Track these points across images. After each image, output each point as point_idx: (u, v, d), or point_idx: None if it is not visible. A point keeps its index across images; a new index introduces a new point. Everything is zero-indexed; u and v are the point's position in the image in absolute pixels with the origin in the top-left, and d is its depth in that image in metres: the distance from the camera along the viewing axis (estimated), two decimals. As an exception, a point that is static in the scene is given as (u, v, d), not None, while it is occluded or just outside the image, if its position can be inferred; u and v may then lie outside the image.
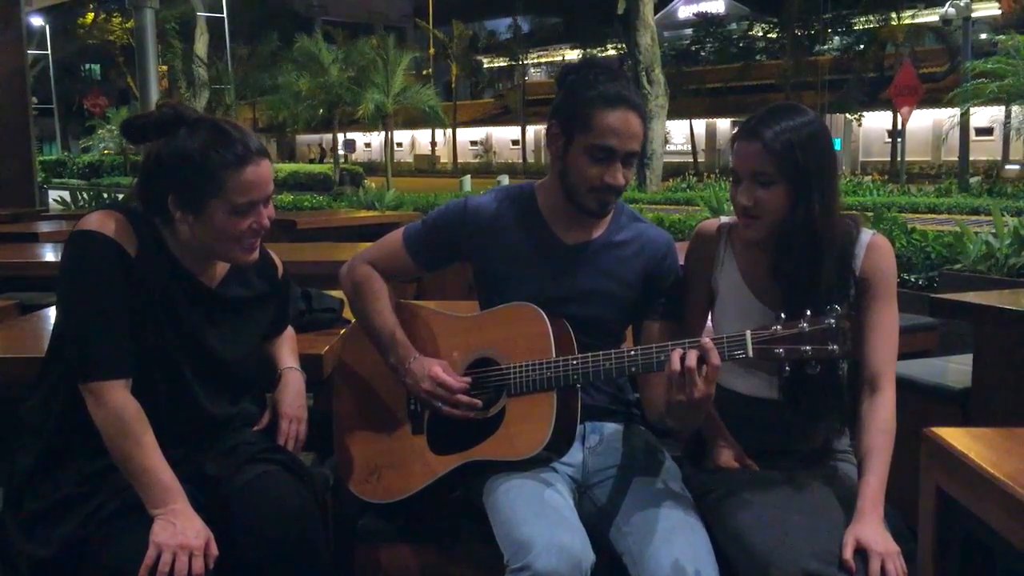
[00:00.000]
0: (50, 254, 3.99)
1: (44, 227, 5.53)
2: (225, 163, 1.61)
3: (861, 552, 1.54)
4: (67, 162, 32.14)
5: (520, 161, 40.14)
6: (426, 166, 42.26)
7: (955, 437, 1.49)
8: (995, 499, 1.33)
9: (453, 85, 44.45)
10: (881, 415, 1.70)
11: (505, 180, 17.18)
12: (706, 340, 1.58)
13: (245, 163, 1.62)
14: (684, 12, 40.95)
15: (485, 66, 46.95)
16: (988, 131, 27.23)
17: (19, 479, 1.67)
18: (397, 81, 25.36)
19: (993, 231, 4.95)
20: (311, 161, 38.99)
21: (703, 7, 39.11)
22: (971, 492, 1.41)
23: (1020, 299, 2.61)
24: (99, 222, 1.64)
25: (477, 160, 43.28)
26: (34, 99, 13.38)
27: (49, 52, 34.66)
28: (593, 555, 1.61)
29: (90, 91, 33.50)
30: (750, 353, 1.57)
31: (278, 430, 1.84)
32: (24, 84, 8.00)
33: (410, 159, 45.01)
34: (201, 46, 29.71)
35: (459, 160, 42.01)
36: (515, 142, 42.68)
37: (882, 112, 29.48)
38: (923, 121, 28.93)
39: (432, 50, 41.95)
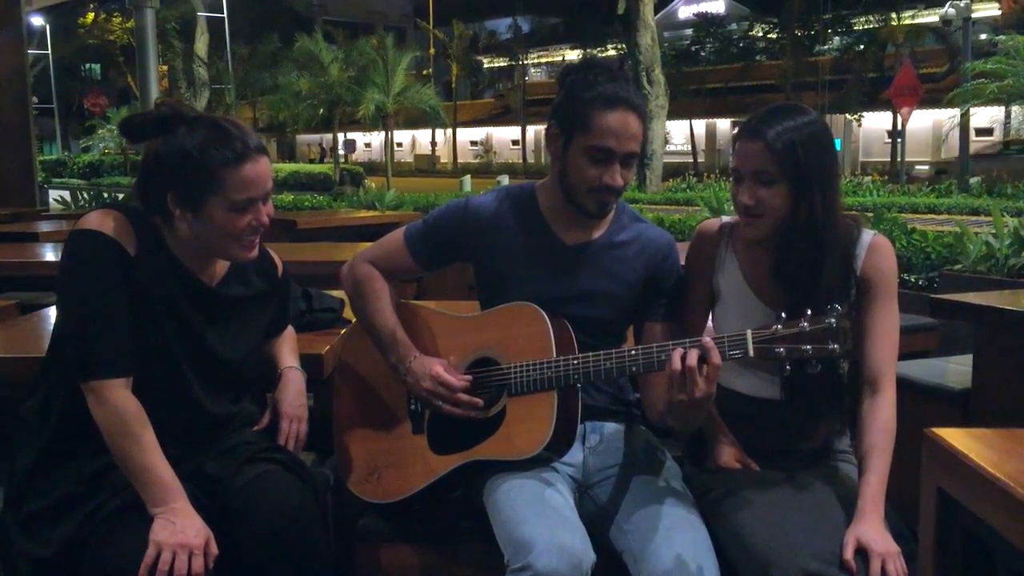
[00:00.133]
0: (50, 254, 3.99)
1: (44, 227, 5.53)
2: (224, 160, 1.61)
3: (861, 552, 1.54)
4: (67, 162, 32.15)
5: (520, 161, 40.14)
6: (426, 166, 42.25)
7: (956, 438, 1.50)
8: (996, 499, 1.33)
9: (453, 85, 44.46)
10: (881, 415, 1.70)
11: (505, 180, 17.18)
12: (707, 339, 1.58)
13: (244, 160, 1.62)
14: (684, 12, 40.97)
15: (485, 66, 46.98)
16: (988, 131, 27.23)
17: (19, 479, 1.67)
18: (397, 81, 25.37)
19: (993, 231, 4.94)
20: (311, 161, 39.03)
21: (703, 7, 39.13)
22: (972, 492, 1.41)
23: (1020, 300, 2.61)
24: (98, 221, 1.64)
25: (477, 160, 43.27)
26: (34, 99, 13.37)
27: (49, 52, 34.65)
28: (594, 555, 1.61)
29: (90, 91, 33.50)
30: (751, 352, 1.57)
31: (278, 430, 1.85)
32: (24, 84, 7.99)
33: (410, 159, 45.01)
34: (201, 46, 29.71)
35: (459, 160, 42.02)
36: (515, 142, 42.69)
37: (882, 112, 29.47)
38: (923, 121, 28.94)
39: (432, 50, 41.97)
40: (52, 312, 2.39)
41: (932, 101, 24.18)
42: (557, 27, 44.72)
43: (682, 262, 1.94)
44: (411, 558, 1.92)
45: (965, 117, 19.44)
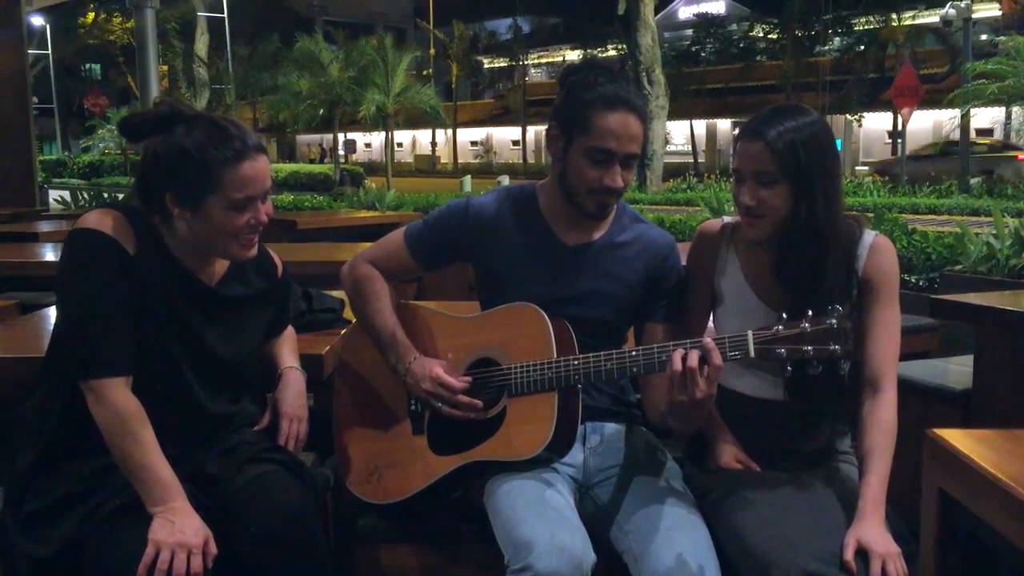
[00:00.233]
0: (50, 254, 3.99)
1: (44, 227, 5.54)
2: (222, 159, 1.61)
3: (862, 553, 1.54)
4: (67, 162, 32.16)
5: (520, 162, 40.13)
6: (426, 166, 42.24)
7: (957, 438, 1.49)
8: (997, 500, 1.33)
9: (453, 85, 44.45)
10: (882, 416, 1.70)
11: (505, 180, 17.18)
12: (708, 340, 1.58)
13: (242, 159, 1.62)
14: (685, 13, 40.97)
15: (485, 66, 46.96)
16: (989, 132, 27.22)
17: (19, 479, 1.66)
18: (398, 81, 25.36)
19: (994, 232, 4.94)
20: (311, 161, 39.03)
21: (704, 8, 39.13)
22: (973, 493, 1.41)
23: (1021, 300, 2.61)
24: (97, 220, 1.64)
25: (477, 160, 43.27)
26: (34, 99, 13.37)
27: (49, 52, 34.64)
28: (594, 555, 1.61)
29: (90, 91, 33.45)
30: (752, 353, 1.57)
31: (278, 430, 1.84)
32: (24, 84, 8.00)
33: (411, 159, 45.00)
34: (201, 46, 29.73)
35: (459, 160, 42.01)
36: (515, 142, 42.69)
37: (882, 113, 29.47)
38: (923, 122, 28.92)
39: (432, 50, 41.95)
40: (52, 312, 2.39)
41: (933, 102, 24.16)
42: (557, 27, 44.71)
43: (683, 263, 1.94)
44: (411, 558, 1.92)
45: (966, 118, 19.45)
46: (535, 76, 46.00)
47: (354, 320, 2.07)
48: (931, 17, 29.22)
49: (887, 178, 20.43)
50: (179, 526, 1.54)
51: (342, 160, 29.82)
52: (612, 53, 33.18)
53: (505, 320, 1.84)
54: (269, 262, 1.91)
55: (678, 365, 1.57)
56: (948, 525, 1.52)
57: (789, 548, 1.54)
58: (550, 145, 1.84)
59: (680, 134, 36.14)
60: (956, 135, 20.36)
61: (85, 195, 12.60)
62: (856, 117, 30.15)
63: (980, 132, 25.88)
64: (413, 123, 33.54)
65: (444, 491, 1.87)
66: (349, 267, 1.99)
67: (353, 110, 26.49)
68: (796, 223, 1.70)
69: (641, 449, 1.89)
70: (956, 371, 2.76)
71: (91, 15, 34.95)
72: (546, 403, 1.74)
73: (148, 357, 1.66)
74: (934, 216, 14.29)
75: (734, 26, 36.76)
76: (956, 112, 19.29)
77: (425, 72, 38.97)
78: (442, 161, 43.74)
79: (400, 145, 42.54)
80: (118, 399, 1.59)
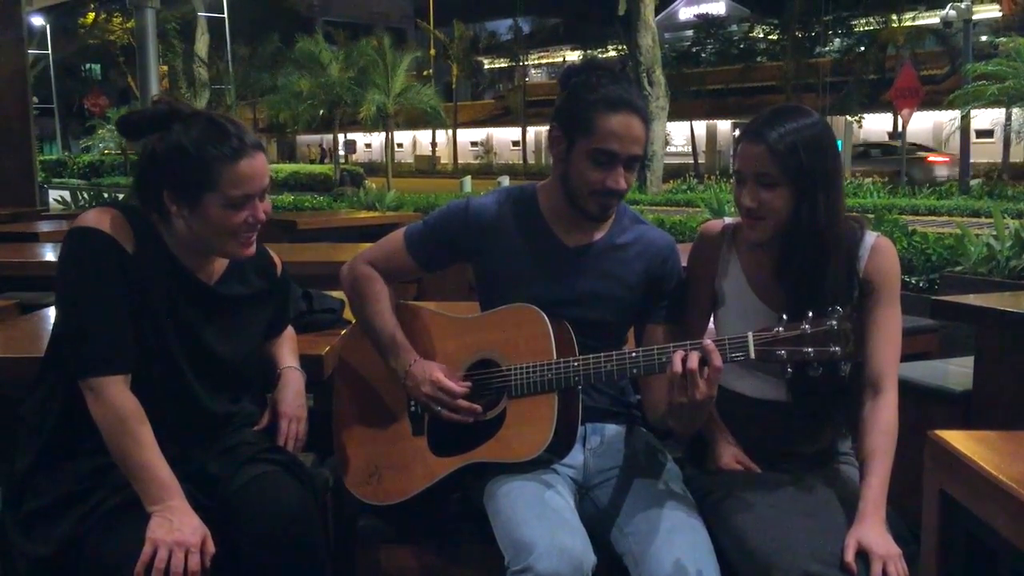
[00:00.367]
0: (50, 254, 3.99)
1: (44, 227, 5.53)
2: (220, 157, 1.61)
3: (862, 554, 1.54)
4: (67, 162, 32.17)
5: (521, 162, 40.13)
6: (427, 167, 42.24)
7: (958, 440, 1.49)
8: (999, 502, 1.32)
9: (454, 86, 44.44)
10: (883, 417, 1.70)
11: (505, 181, 17.18)
12: (708, 342, 1.58)
13: (240, 156, 1.62)
14: (685, 13, 40.97)
15: (486, 67, 46.96)
16: (989, 133, 27.21)
17: (18, 479, 1.66)
18: (398, 81, 25.37)
19: (994, 233, 4.95)
20: (312, 162, 39.02)
21: (704, 8, 39.13)
22: (974, 495, 1.41)
23: (1021, 301, 2.61)
24: (96, 219, 1.64)
25: (478, 161, 43.27)
26: (35, 99, 13.37)
27: (50, 52, 34.66)
28: (594, 557, 1.60)
29: (91, 91, 33.48)
30: (752, 355, 1.57)
31: (277, 430, 1.84)
32: (25, 84, 7.99)
33: (411, 160, 45.02)
34: (202, 46, 29.75)
35: (460, 161, 42.01)
36: (515, 143, 42.68)
37: (883, 114, 29.48)
38: (924, 123, 28.92)
39: (433, 51, 41.95)
40: (52, 312, 2.39)
41: (933, 103, 24.18)
42: (557, 28, 44.69)
43: (683, 264, 1.94)
44: (411, 559, 1.92)
45: (966, 119, 19.45)
46: (535, 77, 46.01)
47: (354, 320, 2.07)
48: (931, 18, 29.22)
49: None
50: (177, 525, 1.53)
51: (342, 160, 29.81)
52: (612, 54, 33.17)
53: (505, 321, 1.84)
54: (268, 261, 1.90)
55: (678, 367, 1.57)
56: (949, 526, 1.52)
57: (789, 549, 1.54)
58: (552, 146, 1.84)
59: (680, 135, 36.12)
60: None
61: (85, 195, 12.61)
62: (856, 118, 30.13)
63: (980, 134, 25.92)
64: (413, 123, 33.55)
65: (444, 492, 1.87)
66: (349, 268, 1.99)
67: (353, 110, 26.52)
68: (797, 224, 1.69)
69: (641, 450, 1.89)
70: (956, 372, 2.76)
71: (91, 15, 34.95)
72: (546, 404, 1.74)
73: (147, 356, 1.66)
74: (934, 217, 14.30)
75: (734, 27, 36.75)
76: (956, 113, 19.29)
77: (425, 72, 38.97)
78: (442, 162, 43.74)
79: (400, 146, 42.54)
80: (117, 397, 1.59)
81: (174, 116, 1.64)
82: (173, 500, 1.57)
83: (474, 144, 45.32)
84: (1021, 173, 24.69)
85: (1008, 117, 20.89)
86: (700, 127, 36.26)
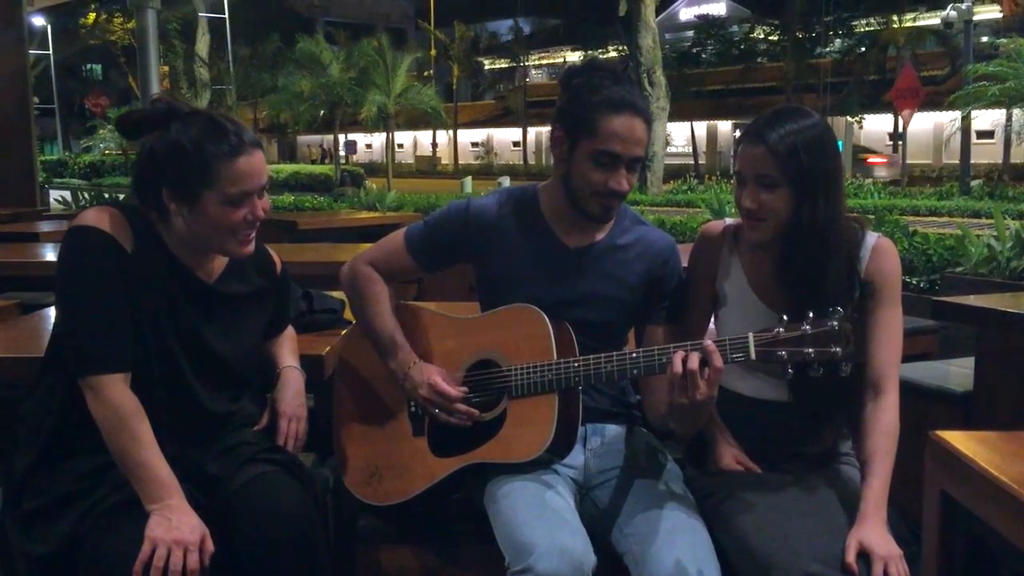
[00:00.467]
0: (51, 254, 3.99)
1: (45, 227, 5.53)
2: (218, 154, 1.61)
3: (863, 555, 1.53)
4: (68, 162, 32.18)
5: (521, 163, 40.14)
6: (427, 167, 42.26)
7: (960, 441, 1.49)
8: (999, 502, 1.32)
9: (454, 86, 44.44)
10: (884, 418, 1.70)
11: (506, 181, 17.21)
12: (708, 342, 1.58)
13: (238, 153, 1.63)
14: (685, 14, 40.97)
15: (486, 67, 46.95)
16: (989, 134, 27.21)
17: (18, 478, 1.66)
18: (398, 82, 25.39)
19: (995, 234, 4.94)
20: (312, 162, 39.03)
21: (704, 9, 39.12)
22: (976, 495, 1.41)
23: (1022, 302, 2.61)
24: (95, 217, 1.64)
25: (478, 161, 43.29)
26: (36, 99, 13.38)
27: (51, 52, 34.69)
28: (595, 557, 1.60)
29: (91, 91, 33.51)
30: (753, 355, 1.57)
31: (277, 429, 1.84)
32: (26, 84, 7.99)
33: (411, 160, 45.03)
34: (203, 46, 29.75)
35: (460, 161, 42.03)
36: (516, 143, 42.68)
37: (883, 115, 29.46)
38: (924, 124, 28.92)
39: (433, 51, 41.95)
40: (53, 312, 2.39)
41: (933, 104, 24.17)
42: (558, 29, 44.68)
43: (684, 264, 1.94)
44: (411, 560, 1.92)
45: (966, 120, 19.45)
46: (536, 77, 46.01)
47: (354, 321, 2.07)
48: (932, 19, 29.20)
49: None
50: (176, 523, 1.53)
51: (343, 161, 29.81)
52: (613, 54, 33.18)
53: (505, 322, 1.84)
54: (268, 260, 1.91)
55: (678, 367, 1.57)
56: (950, 527, 1.52)
57: (790, 550, 1.54)
58: (554, 147, 1.84)
59: (681, 135, 36.14)
60: (957, 138, 20.56)
61: (86, 195, 12.60)
62: (857, 119, 30.14)
63: (981, 135, 25.93)
64: (414, 124, 33.57)
65: (444, 493, 1.87)
66: (349, 268, 1.99)
67: (354, 111, 26.55)
68: (798, 226, 1.69)
69: (642, 451, 1.89)
70: (957, 373, 2.75)
71: (92, 15, 34.97)
72: (546, 405, 1.74)
73: (146, 355, 1.66)
74: (935, 218, 14.30)
75: (735, 28, 36.76)
76: (957, 114, 19.29)
77: (426, 73, 38.97)
78: (443, 162, 43.75)
79: (401, 146, 42.57)
80: (116, 396, 1.59)
81: (172, 115, 1.64)
82: (172, 499, 1.57)
83: (475, 145, 45.33)
84: (1022, 174, 24.75)
85: (1009, 118, 20.90)
86: (701, 128, 36.26)
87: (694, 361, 1.56)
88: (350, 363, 2.06)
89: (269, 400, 1.90)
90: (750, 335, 1.58)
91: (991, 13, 28.53)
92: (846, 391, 1.72)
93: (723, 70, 34.91)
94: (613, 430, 1.91)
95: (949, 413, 2.55)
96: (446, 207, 1.96)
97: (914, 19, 30.65)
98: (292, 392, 1.89)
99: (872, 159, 27.82)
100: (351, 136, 37.75)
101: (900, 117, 21.47)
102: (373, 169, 33.93)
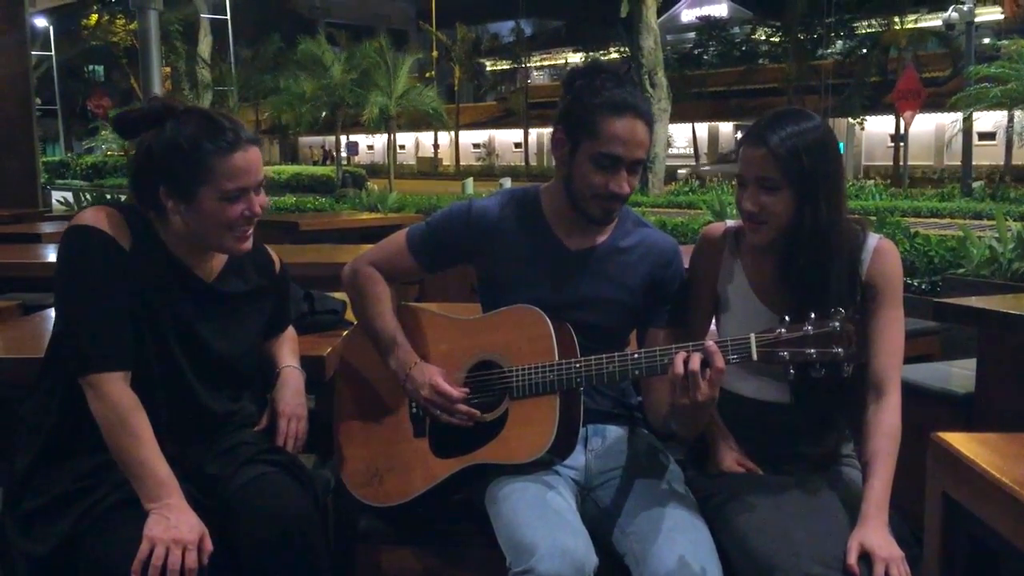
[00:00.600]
0: (53, 255, 3.98)
1: (47, 228, 5.53)
2: (214, 150, 1.62)
3: (865, 557, 1.53)
4: (70, 163, 32.20)
5: (523, 164, 40.14)
6: (429, 168, 42.27)
7: (961, 442, 1.49)
8: (1001, 504, 1.32)
9: (456, 88, 44.44)
10: (886, 420, 1.70)
11: (507, 183, 17.20)
12: (710, 343, 1.58)
13: (234, 149, 1.63)
14: (687, 15, 40.97)
15: (488, 69, 46.94)
16: (991, 135, 27.20)
17: (18, 478, 1.66)
18: (400, 83, 25.39)
19: (996, 236, 4.93)
20: (314, 163, 39.04)
21: (706, 10, 39.11)
22: (977, 497, 1.41)
23: (1023, 303, 2.61)
24: (92, 217, 1.65)
25: (480, 163, 43.28)
26: (38, 100, 13.39)
27: (53, 53, 34.74)
28: (596, 558, 1.60)
29: (94, 92, 33.50)
30: (754, 356, 1.57)
31: (276, 429, 1.84)
32: (28, 85, 8.00)
33: (413, 161, 45.04)
34: (204, 48, 29.78)
35: (462, 163, 42.02)
36: (518, 145, 42.67)
37: (885, 116, 29.43)
38: (926, 125, 28.90)
39: (435, 53, 41.96)
40: (54, 313, 2.39)
41: (935, 105, 24.16)
42: (560, 30, 44.71)
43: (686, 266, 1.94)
44: (412, 561, 1.91)
45: (968, 121, 19.43)
46: (537, 79, 45.98)
47: (356, 322, 2.07)
48: (934, 20, 29.16)
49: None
50: (174, 522, 1.53)
51: (344, 162, 29.81)
52: (614, 56, 33.19)
53: (507, 322, 1.84)
54: (266, 258, 1.91)
55: (680, 368, 1.56)
56: (951, 529, 1.52)
57: (792, 552, 1.53)
58: (556, 149, 1.84)
59: (682, 137, 36.14)
60: (959, 140, 20.55)
61: (88, 196, 12.61)
62: (858, 121, 30.11)
63: (983, 136, 25.93)
64: (416, 125, 33.57)
65: (446, 494, 1.87)
66: (350, 269, 1.99)
67: (356, 112, 26.54)
68: (800, 228, 1.69)
69: (643, 452, 1.89)
70: (959, 375, 2.75)
71: (94, 17, 34.96)
72: (548, 406, 1.74)
73: (146, 354, 1.66)
74: (936, 219, 14.29)
75: (736, 29, 36.74)
76: (958, 116, 19.28)
77: (428, 74, 38.98)
78: (444, 163, 43.75)
79: (403, 147, 42.59)
80: (116, 394, 1.59)
81: (168, 113, 1.65)
82: (171, 498, 1.57)
83: (476, 146, 45.33)
84: (1023, 175, 24.71)
85: (1010, 119, 20.91)
86: (702, 129, 36.28)
87: (695, 362, 1.56)
88: (351, 364, 2.06)
89: (269, 400, 1.90)
90: (752, 336, 1.58)
91: (993, 15, 28.51)
92: (848, 393, 1.71)
93: (724, 71, 34.90)
94: (614, 431, 1.91)
95: (951, 415, 2.54)
96: (448, 208, 1.96)
97: (916, 20, 30.61)
98: (291, 392, 1.89)
99: None
100: (353, 137, 37.80)
101: (902, 119, 21.46)
102: (375, 170, 33.92)
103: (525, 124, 39.85)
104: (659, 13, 19.65)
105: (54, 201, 11.22)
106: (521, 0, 39.51)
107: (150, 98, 1.70)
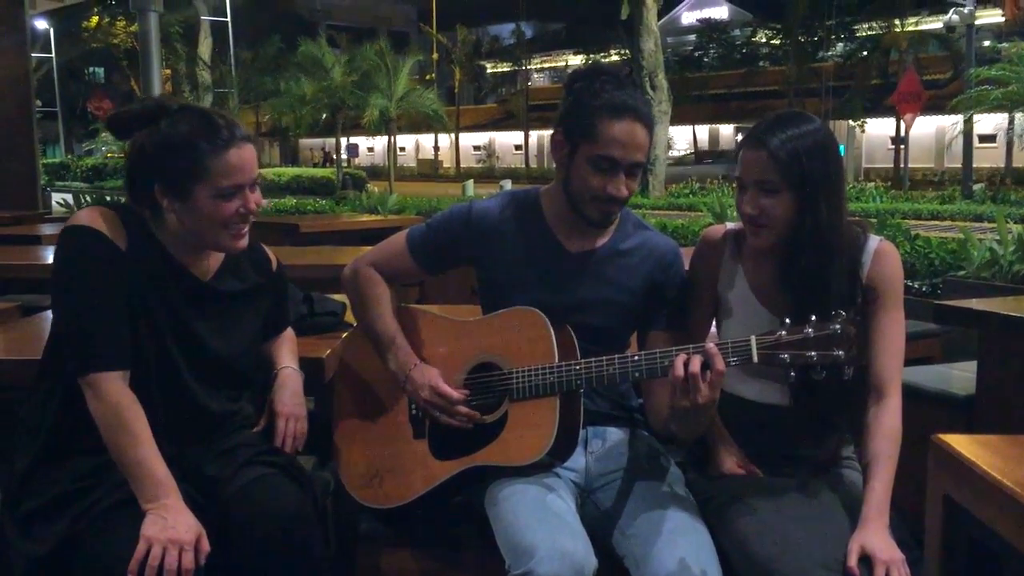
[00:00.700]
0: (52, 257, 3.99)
1: (47, 230, 5.53)
2: (208, 147, 1.62)
3: (865, 559, 1.53)
4: (70, 165, 32.27)
5: (523, 166, 40.18)
6: (429, 171, 42.30)
7: (963, 444, 1.49)
8: (1002, 506, 1.32)
9: (456, 90, 44.51)
10: (887, 422, 1.70)
11: (508, 185, 17.22)
12: (710, 345, 1.57)
13: (229, 146, 1.63)
14: (687, 18, 41.04)
15: (488, 71, 47.00)
16: (992, 138, 27.20)
17: (17, 479, 1.66)
18: (400, 85, 25.42)
19: (997, 238, 4.93)
20: (315, 165, 39.06)
21: (706, 13, 39.15)
22: (978, 499, 1.40)
23: (1024, 306, 2.60)
24: (88, 217, 1.65)
25: (480, 165, 43.32)
26: (38, 102, 13.40)
27: (53, 55, 34.76)
28: (596, 561, 1.60)
29: (94, 94, 33.54)
30: (755, 358, 1.57)
31: (275, 429, 1.84)
32: (28, 87, 8.02)
33: (414, 163, 45.07)
34: (205, 50, 29.83)
35: (462, 165, 42.05)
36: (518, 147, 42.73)
37: (885, 119, 29.46)
38: (927, 128, 28.92)
39: (436, 55, 42.00)
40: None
41: (936, 107, 24.16)
42: (560, 32, 44.79)
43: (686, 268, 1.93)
44: (412, 563, 1.91)
45: (969, 124, 19.44)
46: (538, 81, 46.07)
47: (355, 323, 2.06)
48: (934, 23, 29.18)
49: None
50: (171, 522, 1.53)
51: (345, 164, 29.83)
52: (615, 58, 33.22)
53: (507, 324, 1.83)
54: (263, 256, 1.90)
55: (680, 370, 1.56)
56: (952, 531, 1.51)
57: (792, 554, 1.53)
58: (555, 151, 1.83)
59: (683, 139, 36.15)
60: (960, 142, 20.55)
61: (88, 198, 12.63)
62: (859, 123, 30.15)
63: (983, 138, 25.93)
64: (416, 127, 33.62)
65: (445, 496, 1.87)
66: (350, 270, 1.99)
67: (356, 114, 26.58)
68: (800, 231, 1.69)
69: (643, 454, 1.88)
70: (959, 377, 2.75)
71: (95, 19, 35.02)
72: (548, 408, 1.74)
73: (143, 353, 1.66)
74: (937, 222, 14.29)
75: (737, 31, 36.79)
76: (959, 118, 19.29)
77: (428, 76, 39.07)
78: (445, 165, 43.79)
79: (403, 149, 42.64)
80: (115, 394, 1.59)
81: (162, 111, 1.65)
82: (168, 498, 1.56)
83: (477, 148, 45.38)
84: (1024, 178, 24.72)
85: (1011, 122, 20.90)
86: (703, 131, 36.30)
87: (696, 364, 1.56)
88: (351, 365, 2.06)
89: (267, 401, 1.90)
90: (752, 338, 1.57)
91: (993, 17, 28.50)
92: (848, 395, 1.71)
93: (725, 74, 34.93)
94: (614, 433, 1.91)
95: (951, 417, 2.54)
96: (448, 210, 1.96)
97: (916, 23, 30.64)
98: (290, 392, 1.89)
99: None
100: (353, 139, 37.80)
101: (902, 121, 21.48)
102: (375, 172, 33.93)
103: (525, 126, 39.90)
104: (659, 15, 19.65)
105: (54, 203, 11.23)
106: (522, 2, 39.56)
107: (144, 97, 1.70)
